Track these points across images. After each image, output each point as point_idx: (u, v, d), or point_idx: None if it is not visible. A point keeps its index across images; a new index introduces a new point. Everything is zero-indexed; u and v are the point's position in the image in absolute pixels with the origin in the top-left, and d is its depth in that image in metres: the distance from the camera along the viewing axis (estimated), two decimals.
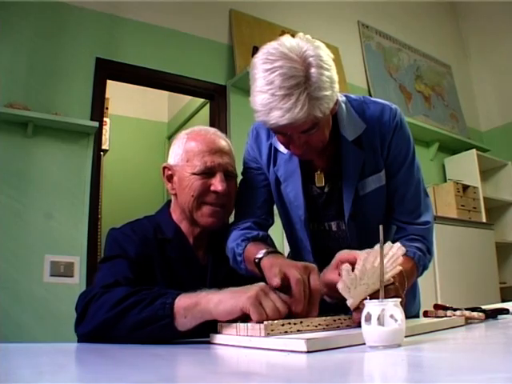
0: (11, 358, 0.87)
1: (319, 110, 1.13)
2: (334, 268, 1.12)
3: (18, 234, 2.75)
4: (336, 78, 1.19)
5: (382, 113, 1.38)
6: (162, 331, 1.00)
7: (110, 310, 1.03)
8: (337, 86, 1.19)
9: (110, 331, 1.03)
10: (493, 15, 5.47)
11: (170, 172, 1.47)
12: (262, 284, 1.02)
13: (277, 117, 1.11)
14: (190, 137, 1.44)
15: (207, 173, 1.37)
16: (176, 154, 1.45)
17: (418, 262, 1.32)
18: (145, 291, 1.05)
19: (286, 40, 1.16)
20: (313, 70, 1.12)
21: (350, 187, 1.36)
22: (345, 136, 1.35)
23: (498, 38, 5.44)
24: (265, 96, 1.12)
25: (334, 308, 1.12)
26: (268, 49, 1.15)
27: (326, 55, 1.17)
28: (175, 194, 1.46)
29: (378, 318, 0.77)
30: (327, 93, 1.14)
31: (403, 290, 1.18)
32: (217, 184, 1.36)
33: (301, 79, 1.10)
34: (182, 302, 1.00)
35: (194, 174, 1.37)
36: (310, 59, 1.12)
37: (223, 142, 1.45)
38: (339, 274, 1.06)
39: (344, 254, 1.12)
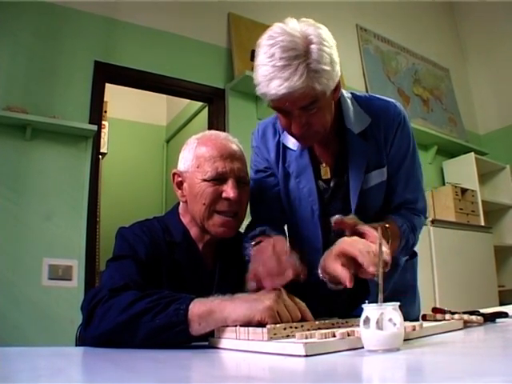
0: (9, 362, 0.87)
1: (318, 83, 1.16)
2: (334, 258, 1.13)
3: (17, 237, 2.74)
4: (337, 59, 1.23)
5: (387, 109, 1.42)
6: (176, 337, 0.99)
7: (119, 315, 1.02)
8: (338, 68, 1.23)
9: (122, 336, 1.02)
10: (491, 19, 5.49)
11: (179, 178, 1.42)
12: (277, 291, 1.01)
13: (276, 86, 1.15)
14: (201, 142, 1.40)
15: (218, 179, 1.33)
16: (186, 159, 1.40)
17: (404, 232, 1.36)
18: (155, 295, 1.04)
19: (290, 21, 1.22)
20: (313, 46, 1.16)
21: (356, 180, 1.39)
22: (350, 129, 1.38)
23: (496, 41, 5.46)
24: (266, 68, 1.17)
25: (329, 312, 1.14)
26: (272, 28, 1.21)
27: (328, 36, 1.22)
28: (186, 201, 1.41)
29: (377, 322, 0.77)
30: (327, 68, 1.17)
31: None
32: (229, 191, 1.32)
33: (301, 52, 1.15)
34: (197, 308, 0.98)
35: (204, 180, 1.33)
36: (311, 36, 1.17)
37: (235, 146, 1.41)
38: (342, 265, 1.09)
39: (346, 246, 1.13)
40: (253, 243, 1.32)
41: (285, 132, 1.43)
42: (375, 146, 1.40)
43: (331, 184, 1.45)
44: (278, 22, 1.22)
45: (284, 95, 1.16)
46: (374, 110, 1.41)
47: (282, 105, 1.21)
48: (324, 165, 1.44)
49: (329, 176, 1.44)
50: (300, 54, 1.15)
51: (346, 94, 1.44)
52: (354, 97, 1.45)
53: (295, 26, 1.20)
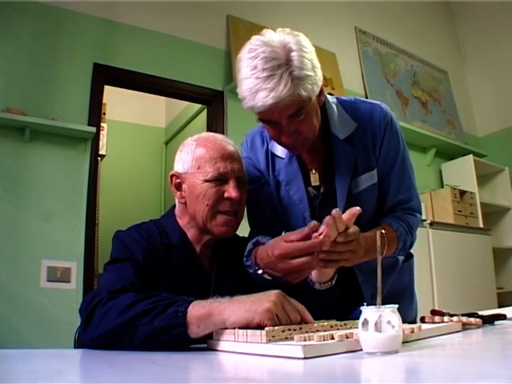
0: (8, 364, 0.87)
1: (303, 89, 1.17)
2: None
3: (15, 239, 2.74)
4: (318, 64, 1.24)
5: (373, 112, 1.42)
6: (174, 340, 0.99)
7: (118, 317, 1.02)
8: (319, 73, 1.24)
9: (121, 338, 1.02)
10: (490, 21, 5.50)
11: (178, 180, 1.42)
12: (276, 293, 1.00)
13: (262, 97, 1.16)
14: (199, 143, 1.40)
15: (220, 179, 1.34)
16: (185, 161, 1.40)
17: (400, 235, 1.38)
18: (154, 297, 1.04)
19: (267, 32, 1.23)
20: (293, 54, 1.18)
21: (342, 185, 1.39)
22: (336, 135, 1.39)
23: (494, 43, 5.46)
24: (250, 81, 1.17)
25: (326, 314, 1.14)
26: (251, 42, 1.22)
27: (306, 42, 1.23)
28: (185, 203, 1.41)
29: (376, 324, 0.77)
30: (310, 73, 1.19)
31: (382, 252, 1.23)
32: (231, 191, 1.33)
33: (282, 61, 1.16)
34: (195, 311, 0.99)
35: (206, 181, 1.34)
36: (290, 44, 1.19)
37: (232, 147, 1.42)
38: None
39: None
40: (251, 260, 1.33)
41: (272, 140, 1.44)
42: (363, 150, 1.40)
43: (321, 190, 1.45)
44: (257, 35, 1.23)
45: (271, 105, 1.16)
46: (360, 114, 1.42)
47: (270, 115, 1.21)
48: (314, 171, 1.44)
49: (318, 183, 1.44)
50: (282, 63, 1.16)
51: (331, 99, 1.44)
52: (340, 101, 1.45)
53: (273, 36, 1.21)
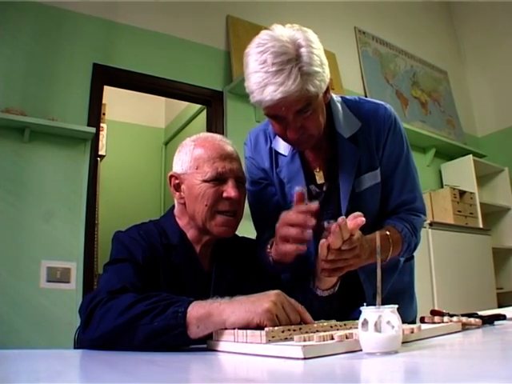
0: (8, 364, 0.87)
1: (312, 85, 1.18)
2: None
3: (15, 240, 2.74)
4: (325, 61, 1.24)
5: (377, 111, 1.43)
6: (174, 340, 0.99)
7: (118, 317, 1.02)
8: (327, 70, 1.25)
9: (120, 339, 1.02)
10: (489, 21, 5.50)
11: (177, 181, 1.41)
12: (276, 293, 1.00)
13: (271, 92, 1.15)
14: (198, 143, 1.40)
15: (219, 179, 1.34)
16: (184, 161, 1.39)
17: (405, 237, 1.38)
18: (154, 298, 1.04)
19: (276, 27, 1.23)
20: (303, 50, 1.18)
21: (346, 183, 1.39)
22: (341, 133, 1.39)
23: (494, 43, 5.47)
24: (258, 74, 1.17)
25: (326, 314, 1.14)
26: (259, 36, 1.22)
27: (315, 39, 1.23)
28: (184, 203, 1.40)
29: (375, 325, 0.77)
30: (318, 69, 1.19)
31: (386, 254, 1.28)
32: (230, 190, 1.33)
33: (292, 56, 1.16)
34: (195, 311, 0.99)
35: (205, 181, 1.33)
36: (299, 40, 1.19)
37: (231, 147, 1.41)
38: None
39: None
40: (269, 246, 1.35)
41: (276, 138, 1.44)
42: (367, 149, 1.40)
43: (324, 188, 1.45)
44: (264, 30, 1.23)
45: (280, 100, 1.16)
46: (364, 113, 1.42)
47: (278, 110, 1.21)
48: (318, 169, 1.44)
49: (323, 181, 1.44)
50: (292, 58, 1.15)
51: (336, 97, 1.44)
52: (344, 100, 1.45)
53: (282, 31, 1.21)
